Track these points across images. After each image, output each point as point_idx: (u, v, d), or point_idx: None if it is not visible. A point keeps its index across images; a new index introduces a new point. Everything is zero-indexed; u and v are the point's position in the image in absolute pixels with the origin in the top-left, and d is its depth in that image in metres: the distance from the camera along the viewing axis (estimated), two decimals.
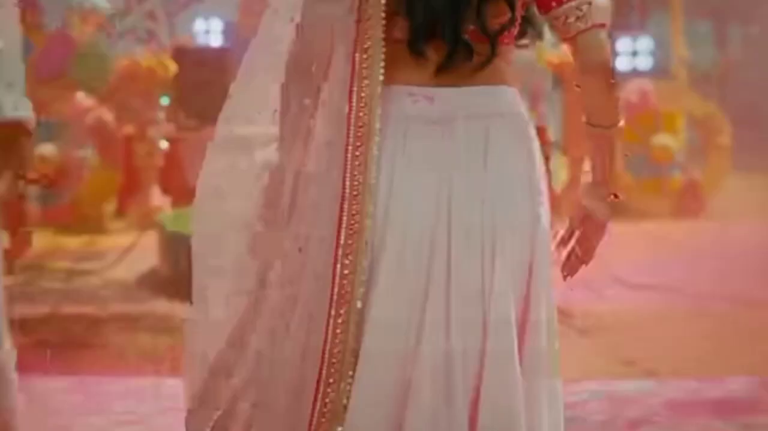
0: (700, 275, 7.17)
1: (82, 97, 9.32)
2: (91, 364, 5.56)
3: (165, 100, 9.35)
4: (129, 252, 8.03)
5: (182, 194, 9.16)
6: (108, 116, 9.33)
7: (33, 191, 9.10)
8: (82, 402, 4.71)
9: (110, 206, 9.51)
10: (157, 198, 9.30)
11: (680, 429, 4.30)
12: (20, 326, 6.03)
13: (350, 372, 2.06)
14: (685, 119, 9.49)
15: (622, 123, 2.28)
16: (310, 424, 2.06)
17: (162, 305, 6.75)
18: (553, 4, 2.18)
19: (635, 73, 9.77)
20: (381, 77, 2.10)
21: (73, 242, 8.71)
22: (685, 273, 7.29)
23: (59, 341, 5.82)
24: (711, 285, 6.93)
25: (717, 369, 5.12)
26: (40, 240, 8.87)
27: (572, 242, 2.30)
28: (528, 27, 2.28)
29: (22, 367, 5.24)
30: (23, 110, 2.77)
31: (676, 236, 8.50)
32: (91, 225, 9.11)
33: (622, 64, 9.60)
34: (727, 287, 6.86)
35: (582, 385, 4.70)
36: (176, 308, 6.59)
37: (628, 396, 4.82)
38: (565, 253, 2.30)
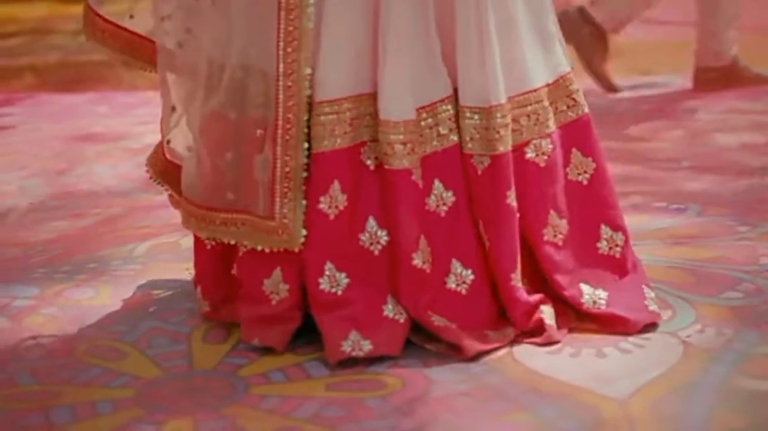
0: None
1: None
2: None
3: None
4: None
5: None
6: None
7: None
8: (106, 110, 4.72)
9: None
10: None
11: (709, 109, 4.23)
12: (31, 70, 6.01)
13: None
14: None
15: None
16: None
17: None
18: None
19: None
20: None
21: (77, 8, 8.58)
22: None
23: (73, 79, 5.77)
24: None
25: None
26: (44, 8, 8.77)
27: None
28: None
29: (46, 89, 5.26)
30: None
31: None
32: None
33: None
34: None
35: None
36: None
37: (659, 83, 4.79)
38: None
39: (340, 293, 1.87)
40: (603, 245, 2.04)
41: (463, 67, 1.91)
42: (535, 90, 1.98)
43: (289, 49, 1.85)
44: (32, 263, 2.49)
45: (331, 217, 1.87)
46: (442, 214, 1.92)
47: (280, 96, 1.86)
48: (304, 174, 1.86)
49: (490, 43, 1.90)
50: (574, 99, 2.03)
